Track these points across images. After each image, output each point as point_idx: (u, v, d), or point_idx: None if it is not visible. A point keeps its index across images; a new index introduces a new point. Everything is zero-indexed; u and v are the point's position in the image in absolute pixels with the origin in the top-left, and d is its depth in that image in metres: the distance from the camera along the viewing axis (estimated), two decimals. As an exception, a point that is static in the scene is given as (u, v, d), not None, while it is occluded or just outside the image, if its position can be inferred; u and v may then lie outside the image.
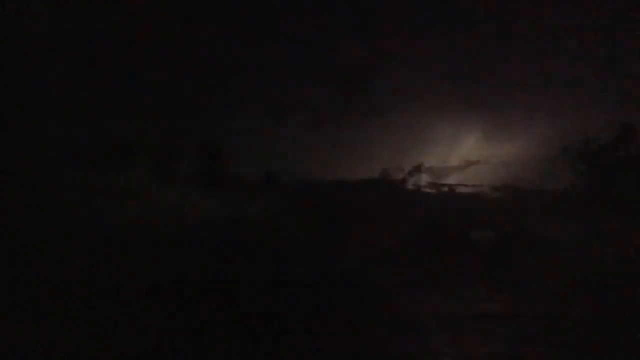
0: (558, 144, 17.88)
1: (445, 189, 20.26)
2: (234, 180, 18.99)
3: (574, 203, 14.99)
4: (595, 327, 7.23)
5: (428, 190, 20.20)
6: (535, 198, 17.12)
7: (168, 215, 16.11)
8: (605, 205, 13.82)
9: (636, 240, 11.80)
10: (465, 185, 19.89)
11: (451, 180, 20.86)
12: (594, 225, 13.10)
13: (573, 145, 17.42)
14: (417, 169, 20.73)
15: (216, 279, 9.69)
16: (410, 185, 20.19)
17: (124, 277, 9.42)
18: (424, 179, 20.53)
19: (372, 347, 6.51)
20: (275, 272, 10.43)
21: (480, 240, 15.07)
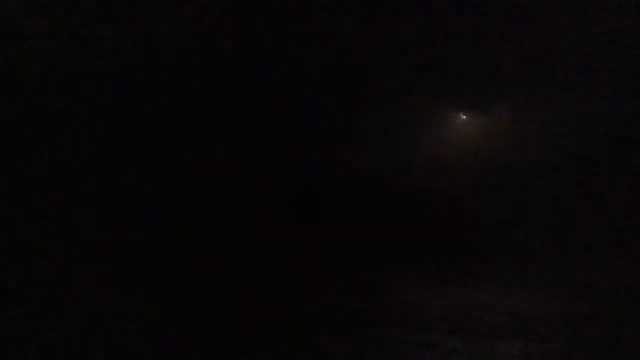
0: (555, 147, 17.59)
1: (439, 187, 19.96)
2: (222, 172, 18.48)
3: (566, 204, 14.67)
4: (590, 325, 6.87)
5: (419, 187, 19.86)
6: (529, 200, 16.78)
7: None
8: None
9: (633, 241, 11.49)
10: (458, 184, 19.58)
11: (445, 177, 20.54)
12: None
13: (571, 147, 17.18)
14: (410, 165, 20.38)
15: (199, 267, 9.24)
16: (402, 181, 19.83)
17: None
18: (415, 176, 20.20)
19: (366, 343, 6.10)
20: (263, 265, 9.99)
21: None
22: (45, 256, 7.26)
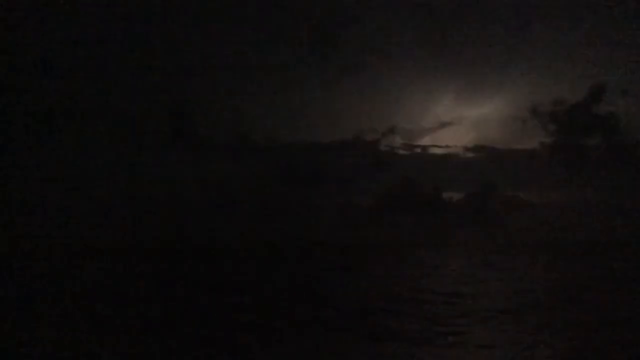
0: (529, 105, 18.04)
1: (418, 150, 20.36)
2: (205, 142, 18.53)
3: (544, 162, 15.26)
4: (565, 286, 7.36)
5: (401, 151, 20.28)
6: (507, 158, 17.35)
7: (138, 178, 15.65)
8: (575, 164, 14.11)
9: (604, 197, 12.13)
10: (438, 147, 20.01)
11: (424, 141, 20.94)
12: (563, 183, 13.40)
13: (544, 106, 17.63)
14: (390, 131, 20.72)
15: (187, 241, 9.48)
16: (383, 146, 20.19)
17: (97, 240, 9.11)
18: (397, 140, 20.57)
19: (347, 311, 6.43)
20: (248, 235, 10.28)
21: (452, 200, 15.26)
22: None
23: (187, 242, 9.47)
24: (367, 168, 18.96)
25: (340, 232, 10.94)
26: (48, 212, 10.11)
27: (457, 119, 21.95)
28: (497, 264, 8.62)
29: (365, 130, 21.49)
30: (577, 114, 17.54)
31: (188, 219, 11.29)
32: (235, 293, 6.67)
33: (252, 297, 6.58)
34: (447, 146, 21.04)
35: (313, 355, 4.55)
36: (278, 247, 10.00)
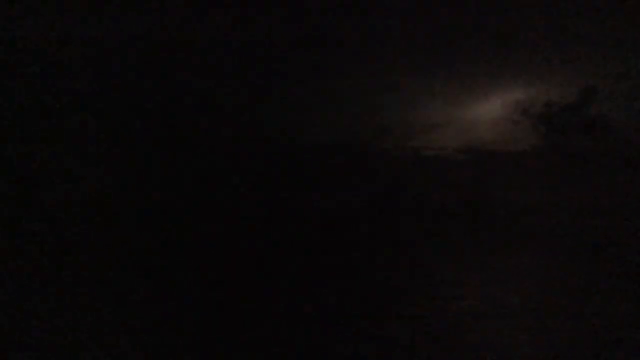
0: (520, 107, 18.08)
1: (410, 151, 20.31)
2: (204, 142, 18.33)
3: (535, 164, 15.26)
4: (562, 288, 7.28)
5: (393, 152, 20.21)
6: (498, 160, 17.36)
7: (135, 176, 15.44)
8: (566, 167, 14.10)
9: (597, 200, 12.12)
10: (430, 148, 19.99)
11: (415, 142, 20.91)
12: (555, 186, 13.38)
13: (535, 107, 17.68)
14: (382, 132, 20.66)
15: (181, 241, 9.34)
16: (374, 147, 20.11)
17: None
18: (389, 141, 20.51)
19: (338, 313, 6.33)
20: (243, 235, 10.14)
21: (444, 203, 15.19)
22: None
23: (186, 241, 9.27)
24: (357, 169, 18.84)
25: (333, 233, 10.80)
26: (46, 210, 9.90)
27: (449, 121, 21.98)
28: (494, 265, 8.53)
29: (356, 131, 21.39)
30: (569, 115, 17.57)
31: (187, 218, 11.10)
32: (232, 292, 6.54)
33: (249, 297, 6.44)
34: (439, 148, 21.04)
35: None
36: (275, 246, 9.84)
